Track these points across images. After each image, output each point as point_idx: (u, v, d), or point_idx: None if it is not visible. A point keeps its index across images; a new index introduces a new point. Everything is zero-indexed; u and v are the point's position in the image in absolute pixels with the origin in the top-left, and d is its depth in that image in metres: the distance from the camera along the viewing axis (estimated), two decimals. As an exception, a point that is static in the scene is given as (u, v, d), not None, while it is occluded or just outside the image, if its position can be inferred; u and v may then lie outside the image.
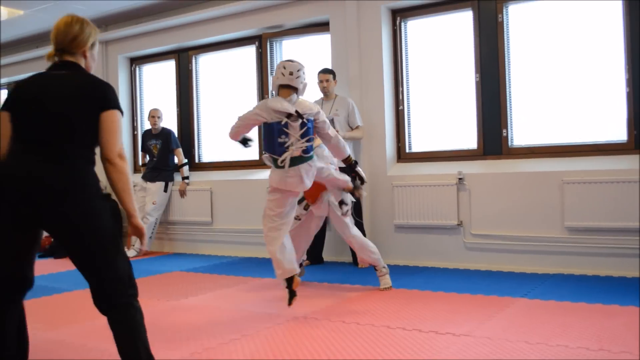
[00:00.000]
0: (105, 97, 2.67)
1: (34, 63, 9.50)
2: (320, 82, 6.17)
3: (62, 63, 2.78)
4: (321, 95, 6.26)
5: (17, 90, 2.76)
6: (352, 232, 4.95)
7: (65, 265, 6.85)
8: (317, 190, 4.82)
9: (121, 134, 2.71)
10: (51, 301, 5.00)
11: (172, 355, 3.38)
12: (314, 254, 6.26)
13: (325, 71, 6.20)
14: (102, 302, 2.79)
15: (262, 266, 6.37)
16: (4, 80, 10.24)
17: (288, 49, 7.39)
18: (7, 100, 2.75)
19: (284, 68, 4.36)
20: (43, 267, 6.77)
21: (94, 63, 2.91)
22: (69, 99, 2.65)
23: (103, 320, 4.19)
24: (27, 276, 2.78)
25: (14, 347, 2.77)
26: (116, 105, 2.69)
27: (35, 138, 2.62)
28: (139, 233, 2.77)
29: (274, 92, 4.46)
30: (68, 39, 2.79)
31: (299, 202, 4.83)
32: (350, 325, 3.84)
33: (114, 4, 7.66)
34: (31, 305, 4.72)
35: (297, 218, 4.90)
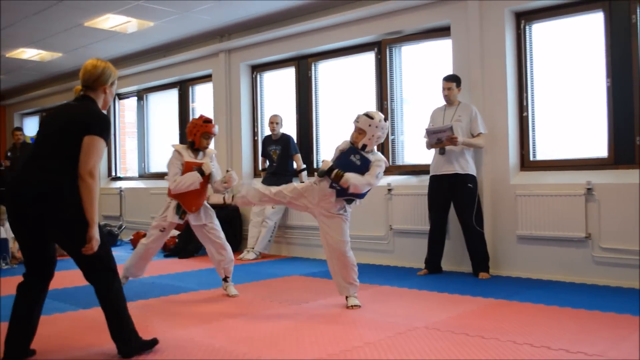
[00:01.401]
0: (89, 124, 3.27)
1: (163, 71, 9.99)
2: (443, 89, 6.08)
3: (82, 97, 3.46)
4: (444, 102, 6.17)
5: (46, 115, 3.67)
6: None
7: (189, 265, 7.15)
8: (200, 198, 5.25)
9: (97, 157, 3.25)
10: (178, 300, 5.21)
11: (296, 358, 3.42)
12: (433, 262, 6.18)
13: (448, 79, 6.11)
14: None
15: (379, 273, 6.36)
16: (134, 87, 10.82)
17: (407, 55, 7.34)
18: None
19: None
20: (168, 266, 7.10)
21: (112, 97, 3.60)
22: (62, 124, 3.32)
23: (230, 320, 4.33)
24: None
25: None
26: (97, 132, 3.26)
27: (34, 153, 3.34)
28: (89, 241, 3.22)
29: None
30: (92, 79, 3.45)
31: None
32: (475, 338, 3.74)
33: (237, 14, 7.90)
34: (158, 304, 4.97)
35: (161, 230, 5.27)
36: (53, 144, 3.29)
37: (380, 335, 3.87)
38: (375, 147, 4.80)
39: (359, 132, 4.69)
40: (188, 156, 5.22)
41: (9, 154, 10.93)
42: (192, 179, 5.07)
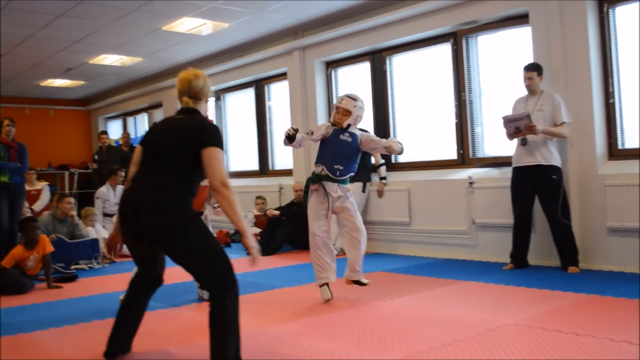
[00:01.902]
0: (206, 137, 3.29)
1: (238, 71, 10.14)
2: (525, 79, 5.93)
3: (186, 109, 3.50)
4: (526, 92, 6.02)
5: (150, 129, 3.61)
6: None
7: (272, 262, 7.23)
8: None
9: (223, 167, 3.24)
10: (263, 297, 5.28)
11: (385, 356, 3.41)
12: (519, 257, 6.04)
13: (529, 68, 5.95)
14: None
15: (463, 268, 6.27)
16: (211, 88, 11.01)
17: (484, 45, 7.19)
18: (142, 137, 3.58)
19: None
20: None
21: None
22: (170, 139, 3.37)
23: (316, 318, 4.36)
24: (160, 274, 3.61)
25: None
26: (215, 144, 3.27)
27: (145, 168, 3.39)
28: (249, 250, 3.20)
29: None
30: (197, 90, 3.52)
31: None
32: (568, 335, 3.64)
33: (310, 11, 7.93)
34: (243, 301, 5.02)
35: None
36: (169, 159, 3.32)
37: (469, 332, 3.82)
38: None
39: (344, 113, 5.01)
40: None
41: (96, 157, 11.36)
42: None
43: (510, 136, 5.95)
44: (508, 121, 5.87)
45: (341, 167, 4.93)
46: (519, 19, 6.63)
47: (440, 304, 4.70)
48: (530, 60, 6.22)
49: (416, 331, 3.92)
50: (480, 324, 4.01)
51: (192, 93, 3.51)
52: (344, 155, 4.95)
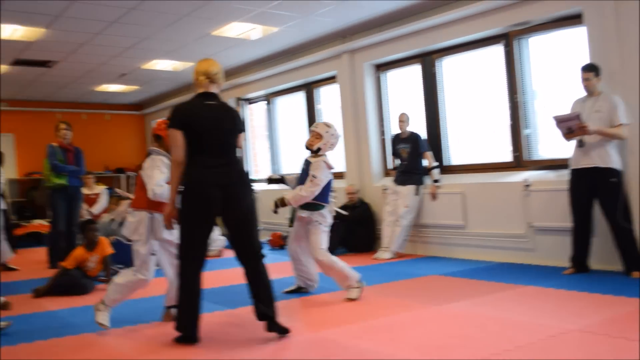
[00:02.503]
0: (241, 123, 4.18)
1: (288, 75, 10.19)
2: (582, 80, 5.80)
3: (209, 93, 4.05)
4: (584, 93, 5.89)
5: (185, 113, 3.98)
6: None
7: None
8: None
9: None
10: (317, 300, 5.29)
11: (447, 363, 3.39)
12: (579, 261, 5.90)
13: (586, 68, 5.81)
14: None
15: (521, 272, 6.17)
16: (261, 92, 11.11)
17: (536, 46, 7.06)
18: (177, 121, 3.94)
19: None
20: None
21: None
22: (228, 124, 4.04)
23: (372, 321, 4.34)
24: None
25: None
26: (244, 129, 4.26)
27: (213, 151, 3.94)
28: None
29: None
30: (219, 75, 4.09)
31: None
32: (635, 343, 3.52)
33: (359, 14, 7.91)
34: (298, 304, 5.07)
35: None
36: (231, 143, 4.04)
37: (532, 338, 3.75)
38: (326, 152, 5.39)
39: (316, 136, 5.35)
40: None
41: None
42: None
43: (565, 137, 5.83)
44: (559, 121, 5.76)
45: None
46: (572, 19, 6.49)
47: (498, 308, 4.63)
48: (586, 61, 6.08)
49: (475, 336, 3.87)
50: (542, 329, 3.93)
51: (216, 77, 4.08)
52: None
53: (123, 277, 4.48)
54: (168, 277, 4.60)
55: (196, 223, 3.95)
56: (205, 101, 4.02)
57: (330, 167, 5.32)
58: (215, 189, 3.89)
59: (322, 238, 5.33)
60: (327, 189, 5.34)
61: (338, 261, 5.26)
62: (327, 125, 5.37)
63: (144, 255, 4.40)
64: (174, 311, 4.43)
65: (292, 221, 7.31)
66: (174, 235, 4.35)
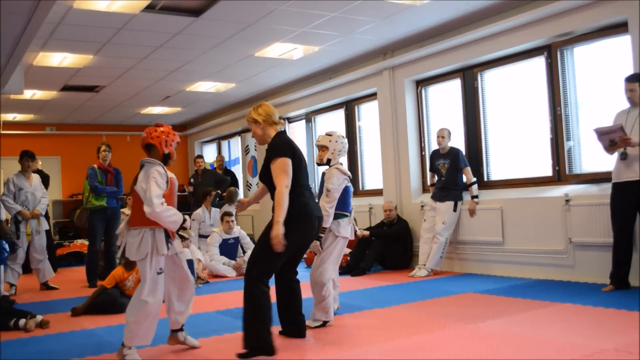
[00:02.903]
0: None
1: (329, 93, 10.24)
2: (626, 90, 5.65)
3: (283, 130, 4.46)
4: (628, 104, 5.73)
5: (292, 145, 4.33)
6: None
7: (364, 283, 7.19)
8: None
9: None
10: (355, 319, 5.22)
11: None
12: (619, 277, 5.72)
13: (631, 79, 5.66)
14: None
15: (559, 289, 6.01)
16: (302, 110, 11.18)
17: (581, 57, 6.92)
18: (288, 151, 4.23)
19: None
20: (341, 284, 7.17)
21: None
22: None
23: (407, 340, 4.28)
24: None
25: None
26: None
27: (306, 183, 4.37)
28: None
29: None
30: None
31: None
32: (674, 362, 3.40)
33: (400, 31, 7.90)
34: (336, 324, 5.02)
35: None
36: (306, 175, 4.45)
37: (566, 357, 3.64)
38: (339, 160, 5.27)
39: (322, 149, 5.26)
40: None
41: (191, 180, 11.74)
42: (177, 220, 4.16)
43: (607, 150, 5.68)
44: (601, 134, 5.61)
45: None
46: (617, 28, 6.34)
47: (534, 327, 4.50)
48: (630, 71, 5.93)
49: (507, 355, 3.78)
50: (577, 349, 3.82)
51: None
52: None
53: (132, 314, 4.11)
54: (167, 297, 4.36)
55: (290, 249, 4.18)
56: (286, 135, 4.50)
57: (344, 173, 5.14)
58: (316, 221, 4.35)
59: (332, 253, 5.05)
60: (345, 196, 5.14)
61: (330, 291, 4.95)
62: (329, 135, 5.29)
63: (152, 275, 4.11)
64: (181, 335, 4.40)
65: None
66: (177, 249, 4.27)
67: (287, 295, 4.53)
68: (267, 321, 4.08)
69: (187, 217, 4.28)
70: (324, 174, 5.30)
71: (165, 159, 4.27)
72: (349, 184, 5.20)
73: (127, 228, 4.20)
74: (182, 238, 4.48)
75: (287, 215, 4.06)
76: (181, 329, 4.42)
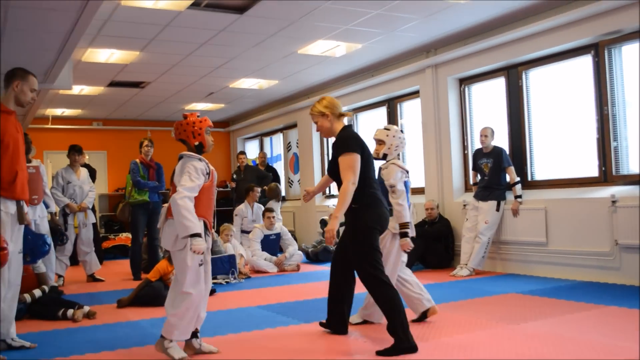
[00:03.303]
0: None
1: (371, 90, 10.23)
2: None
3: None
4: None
5: (360, 140, 4.35)
6: None
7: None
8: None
9: None
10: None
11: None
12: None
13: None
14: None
15: (604, 292, 5.92)
16: (344, 108, 11.15)
17: (629, 55, 6.78)
18: (357, 146, 4.27)
19: None
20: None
21: None
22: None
23: (449, 339, 4.27)
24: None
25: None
26: None
27: (374, 177, 4.46)
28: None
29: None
30: None
31: None
32: None
33: (443, 29, 7.85)
34: (375, 324, 5.03)
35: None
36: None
37: (610, 360, 3.59)
38: (396, 155, 5.09)
39: (379, 143, 5.12)
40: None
41: (234, 176, 11.85)
42: (189, 227, 3.85)
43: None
44: None
45: None
46: (667, 26, 6.21)
47: (577, 329, 4.45)
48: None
49: (552, 356, 3.74)
50: (625, 352, 3.77)
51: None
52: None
53: (173, 307, 4.03)
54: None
55: (376, 238, 4.33)
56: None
57: (402, 168, 4.96)
58: (387, 211, 4.42)
59: (391, 253, 4.91)
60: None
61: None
62: (387, 129, 5.11)
63: (194, 265, 3.94)
64: (196, 342, 4.16)
65: None
66: (209, 242, 4.08)
67: (343, 288, 4.61)
68: (395, 310, 4.13)
69: (204, 237, 3.93)
70: (380, 168, 5.15)
71: (199, 150, 4.12)
72: (407, 179, 5.05)
73: (165, 218, 4.06)
74: None
75: (360, 205, 4.25)
76: (196, 335, 4.17)
